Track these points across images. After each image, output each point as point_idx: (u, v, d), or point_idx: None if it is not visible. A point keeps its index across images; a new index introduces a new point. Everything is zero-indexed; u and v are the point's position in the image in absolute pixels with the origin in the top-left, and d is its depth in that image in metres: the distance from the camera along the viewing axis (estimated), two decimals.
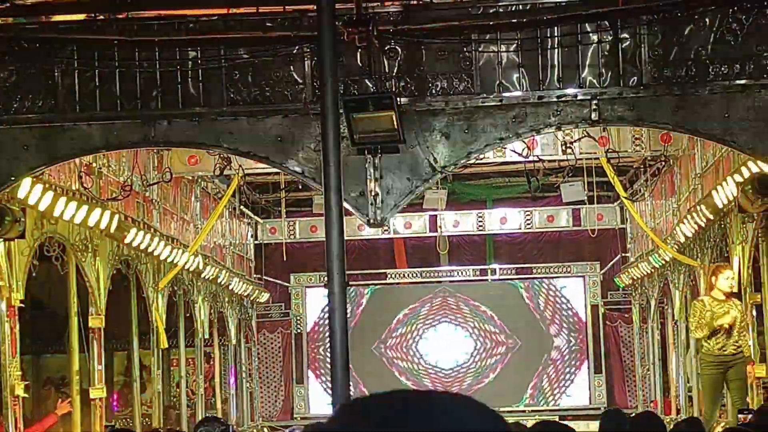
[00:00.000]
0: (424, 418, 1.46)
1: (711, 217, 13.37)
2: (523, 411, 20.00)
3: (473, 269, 21.72)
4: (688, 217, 14.30)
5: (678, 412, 17.82)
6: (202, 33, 9.24)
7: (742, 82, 9.17)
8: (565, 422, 6.21)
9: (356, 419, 1.49)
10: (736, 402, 12.04)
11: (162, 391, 15.94)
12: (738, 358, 12.25)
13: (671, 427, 8.90)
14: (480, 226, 21.10)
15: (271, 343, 21.90)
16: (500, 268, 21.62)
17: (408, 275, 21.78)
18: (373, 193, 9.33)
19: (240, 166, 14.65)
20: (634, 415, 11.12)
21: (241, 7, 9.13)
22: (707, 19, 9.18)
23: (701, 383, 13.32)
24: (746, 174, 11.32)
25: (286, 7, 9.06)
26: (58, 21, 9.22)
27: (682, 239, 15.00)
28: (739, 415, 9.77)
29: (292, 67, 9.33)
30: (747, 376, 12.17)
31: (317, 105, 8.17)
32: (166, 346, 15.52)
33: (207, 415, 16.04)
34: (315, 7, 7.86)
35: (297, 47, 9.22)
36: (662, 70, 9.24)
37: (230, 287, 18.67)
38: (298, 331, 21.70)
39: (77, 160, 11.70)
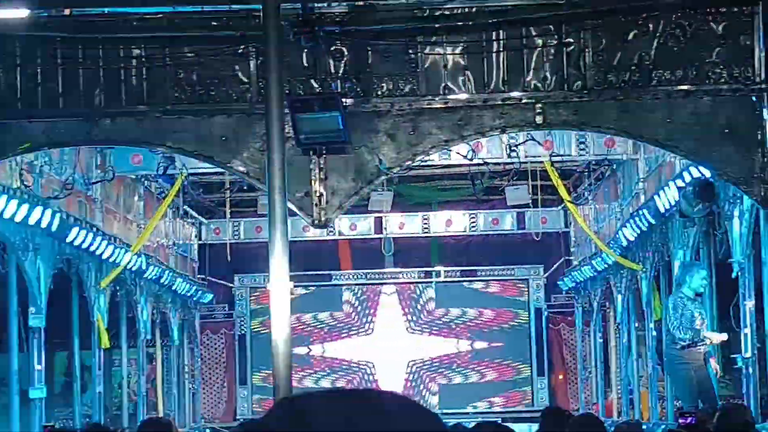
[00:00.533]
0: (362, 417, 1.45)
1: (653, 221, 13.49)
2: (466, 413, 20.04)
3: (418, 271, 21.75)
4: (631, 221, 14.42)
5: (619, 414, 17.95)
6: (147, 31, 9.17)
7: (685, 87, 9.27)
8: (507, 424, 6.22)
9: (294, 419, 1.47)
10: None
11: (103, 392, 15.80)
12: None
13: (611, 429, 8.95)
14: (425, 228, 21.13)
15: (215, 344, 21.77)
16: (445, 271, 21.66)
17: (353, 277, 21.75)
18: (317, 194, 9.31)
19: (184, 165, 14.56)
20: (574, 416, 11.15)
21: (187, 5, 9.07)
22: (650, 25, 9.27)
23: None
24: (688, 179, 11.43)
25: (232, 6, 9.02)
26: None
27: (625, 243, 15.12)
28: (680, 420, 9.84)
29: (237, 67, 9.29)
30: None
31: (262, 105, 8.14)
32: (108, 346, 15.36)
33: (150, 416, 15.91)
34: (261, 7, 7.83)
35: (242, 47, 9.18)
36: (606, 74, 9.31)
37: (173, 288, 18.53)
38: (242, 332, 21.58)
39: (18, 158, 11.56)
